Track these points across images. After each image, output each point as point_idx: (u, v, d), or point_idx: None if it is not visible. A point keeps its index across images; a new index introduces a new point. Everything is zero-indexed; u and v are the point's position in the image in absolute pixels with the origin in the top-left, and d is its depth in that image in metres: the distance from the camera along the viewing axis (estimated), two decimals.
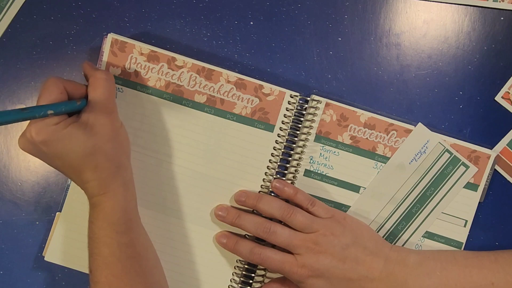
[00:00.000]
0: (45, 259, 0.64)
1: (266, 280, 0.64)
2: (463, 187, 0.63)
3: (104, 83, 0.55)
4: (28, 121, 0.53)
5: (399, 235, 0.64)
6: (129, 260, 0.55)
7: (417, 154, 0.62)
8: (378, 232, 0.63)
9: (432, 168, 0.63)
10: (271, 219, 0.61)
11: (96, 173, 0.54)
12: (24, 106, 0.64)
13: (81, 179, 0.55)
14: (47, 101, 0.53)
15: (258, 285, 0.63)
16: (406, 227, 0.63)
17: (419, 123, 0.63)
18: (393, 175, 0.63)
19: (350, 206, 0.63)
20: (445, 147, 0.62)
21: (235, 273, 0.64)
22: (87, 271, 0.62)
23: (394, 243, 0.64)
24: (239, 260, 0.63)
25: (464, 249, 0.64)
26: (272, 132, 0.62)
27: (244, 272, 0.63)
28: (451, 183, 0.63)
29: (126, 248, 0.55)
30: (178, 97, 0.62)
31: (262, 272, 0.63)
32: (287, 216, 0.59)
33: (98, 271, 0.55)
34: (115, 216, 0.55)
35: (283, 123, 0.62)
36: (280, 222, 0.61)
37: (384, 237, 0.63)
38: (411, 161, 0.63)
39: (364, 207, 0.63)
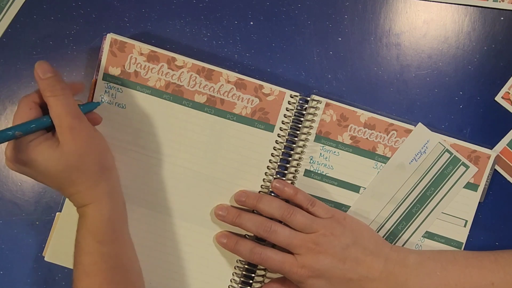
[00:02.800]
0: (45, 259, 0.64)
1: (266, 280, 0.64)
2: (463, 187, 0.63)
3: (57, 102, 0.53)
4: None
5: (399, 235, 0.64)
6: (111, 271, 0.55)
7: (417, 154, 0.62)
8: (378, 232, 0.63)
9: (432, 168, 0.63)
10: (271, 219, 0.61)
11: (73, 187, 0.55)
12: None
13: (64, 193, 0.56)
14: (20, 121, 0.53)
15: (258, 285, 0.63)
16: (406, 227, 0.63)
17: (419, 123, 0.63)
18: (393, 175, 0.63)
19: (350, 206, 0.63)
20: (445, 147, 0.62)
21: (235, 273, 0.64)
22: None
23: (394, 243, 0.64)
24: (239, 260, 0.63)
25: (464, 249, 0.64)
26: (272, 132, 0.62)
27: (244, 272, 0.63)
28: (451, 183, 0.63)
29: (108, 259, 0.55)
30: (178, 97, 0.62)
31: (262, 272, 0.63)
32: (287, 216, 0.59)
33: (78, 280, 0.55)
34: (98, 226, 0.55)
35: (283, 123, 0.62)
36: (280, 222, 0.61)
37: (384, 237, 0.63)
38: (411, 161, 0.63)
39: (364, 207, 0.63)
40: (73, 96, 0.56)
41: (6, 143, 0.54)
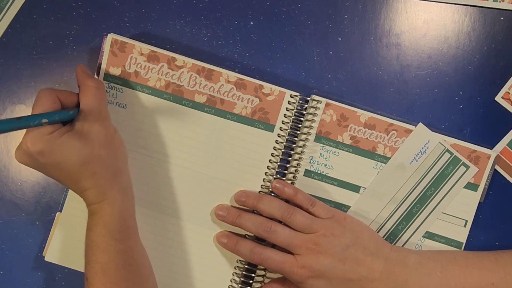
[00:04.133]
0: (45, 259, 0.64)
1: (266, 280, 0.64)
2: (463, 187, 0.63)
3: (95, 91, 0.56)
4: (24, 133, 0.53)
5: (400, 235, 0.64)
6: (126, 268, 0.55)
7: (418, 154, 0.62)
8: (378, 232, 0.63)
9: (432, 168, 0.63)
10: (272, 219, 0.61)
11: (93, 180, 0.55)
12: (24, 106, 0.64)
13: (79, 187, 0.55)
14: (41, 111, 0.53)
15: (258, 285, 0.63)
16: (407, 227, 0.63)
17: (420, 123, 0.63)
18: (393, 175, 0.63)
19: (350, 206, 0.63)
20: (445, 147, 0.62)
21: (235, 273, 0.64)
22: None
23: (394, 243, 0.64)
24: (239, 260, 0.63)
25: (464, 249, 0.64)
26: (272, 132, 0.62)
27: (244, 272, 0.63)
28: (451, 183, 0.63)
29: (124, 256, 0.55)
30: (178, 97, 0.62)
31: (262, 272, 0.63)
32: (287, 216, 0.59)
33: (95, 278, 0.54)
34: (114, 223, 0.55)
35: (283, 123, 0.62)
36: (280, 222, 0.61)
37: (385, 237, 0.63)
38: (412, 161, 0.63)
39: (364, 207, 0.63)
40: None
41: (23, 131, 0.53)
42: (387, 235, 0.63)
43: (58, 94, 0.55)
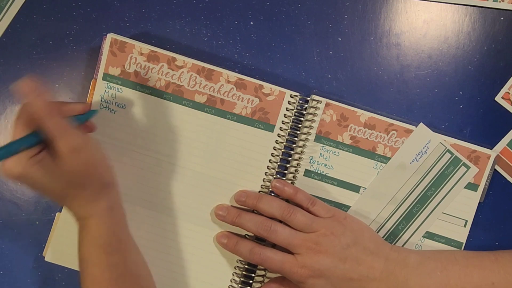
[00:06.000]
0: (45, 259, 0.64)
1: (266, 280, 0.63)
2: (463, 187, 0.63)
3: (52, 123, 0.52)
4: None
5: (400, 235, 0.63)
6: (120, 279, 0.56)
7: (418, 154, 0.62)
8: (378, 232, 0.63)
9: (433, 169, 0.63)
10: (272, 219, 0.61)
11: (76, 200, 0.55)
12: None
13: (63, 204, 0.56)
14: (20, 135, 0.52)
15: (258, 285, 0.63)
16: (407, 227, 0.63)
17: (421, 123, 0.63)
18: (394, 175, 0.63)
19: (350, 206, 0.63)
20: (446, 148, 0.62)
21: (235, 273, 0.64)
22: None
23: (394, 243, 0.64)
24: (239, 260, 0.63)
25: (464, 249, 0.64)
26: (272, 132, 0.62)
27: (244, 273, 0.63)
28: (451, 184, 0.63)
29: (116, 268, 0.56)
30: (178, 97, 0.62)
31: (262, 272, 0.63)
32: (287, 216, 0.59)
33: None
34: (102, 238, 0.55)
35: (283, 123, 0.62)
36: (280, 222, 0.61)
37: (385, 237, 0.63)
38: (412, 161, 0.63)
39: (364, 207, 0.63)
40: (76, 113, 0.57)
41: None
42: (387, 234, 0.63)
43: (29, 114, 0.53)
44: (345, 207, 0.63)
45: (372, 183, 0.63)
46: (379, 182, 0.63)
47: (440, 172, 0.63)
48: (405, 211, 0.63)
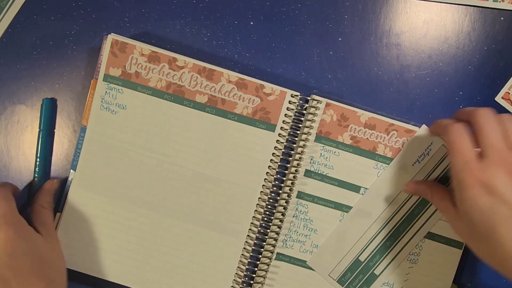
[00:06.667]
0: None
1: (267, 281, 0.64)
2: None
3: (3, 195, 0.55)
4: None
5: (401, 236, 0.63)
6: None
7: (421, 156, 0.63)
8: (380, 232, 0.63)
9: (435, 170, 0.63)
10: None
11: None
12: (24, 106, 0.64)
13: None
14: None
15: (259, 285, 0.63)
16: (408, 228, 0.63)
17: (423, 125, 0.63)
18: (395, 176, 0.63)
19: (351, 207, 0.63)
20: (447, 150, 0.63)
21: (237, 273, 0.64)
22: (86, 272, 0.63)
23: (395, 245, 0.63)
24: (241, 261, 0.63)
25: (465, 249, 0.64)
26: (274, 132, 0.62)
27: (245, 273, 0.63)
28: None
29: None
30: (179, 98, 0.62)
31: (263, 273, 0.63)
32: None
33: None
34: None
35: (284, 123, 0.62)
36: None
37: (385, 239, 0.63)
38: (415, 162, 0.63)
39: (366, 208, 0.63)
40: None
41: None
42: (388, 235, 0.63)
43: None
44: (345, 207, 0.63)
45: (374, 184, 0.63)
46: (381, 183, 0.63)
47: (442, 174, 0.63)
48: (407, 212, 0.63)
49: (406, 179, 0.63)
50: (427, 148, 0.63)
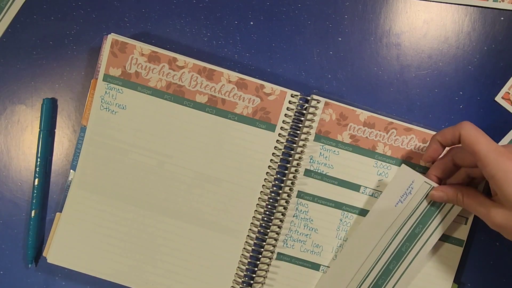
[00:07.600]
0: (46, 259, 0.64)
1: (267, 281, 0.64)
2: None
3: None
4: None
5: (391, 274, 0.62)
6: None
7: (403, 195, 0.60)
8: (373, 269, 0.61)
9: (418, 208, 0.61)
10: None
11: None
12: (24, 106, 0.64)
13: None
14: None
15: (259, 285, 0.63)
16: (397, 266, 0.62)
17: (403, 164, 0.61)
18: (379, 219, 0.61)
19: (351, 205, 0.63)
20: (431, 186, 0.60)
21: (237, 273, 0.64)
22: (87, 272, 0.63)
23: (387, 283, 0.62)
24: (241, 260, 0.64)
25: (465, 247, 0.64)
26: (274, 131, 0.62)
27: (245, 273, 0.63)
28: (438, 221, 0.61)
29: None
30: (179, 98, 0.62)
31: (263, 273, 0.63)
32: None
33: None
34: None
35: (284, 123, 0.62)
36: None
37: (377, 277, 0.61)
38: (397, 203, 0.60)
39: (354, 251, 0.62)
40: None
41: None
42: (379, 274, 0.62)
43: None
44: (345, 206, 0.63)
45: (360, 227, 0.62)
46: (366, 226, 0.62)
47: (426, 209, 0.61)
48: (395, 250, 0.61)
49: (389, 221, 0.61)
50: (409, 187, 0.60)
